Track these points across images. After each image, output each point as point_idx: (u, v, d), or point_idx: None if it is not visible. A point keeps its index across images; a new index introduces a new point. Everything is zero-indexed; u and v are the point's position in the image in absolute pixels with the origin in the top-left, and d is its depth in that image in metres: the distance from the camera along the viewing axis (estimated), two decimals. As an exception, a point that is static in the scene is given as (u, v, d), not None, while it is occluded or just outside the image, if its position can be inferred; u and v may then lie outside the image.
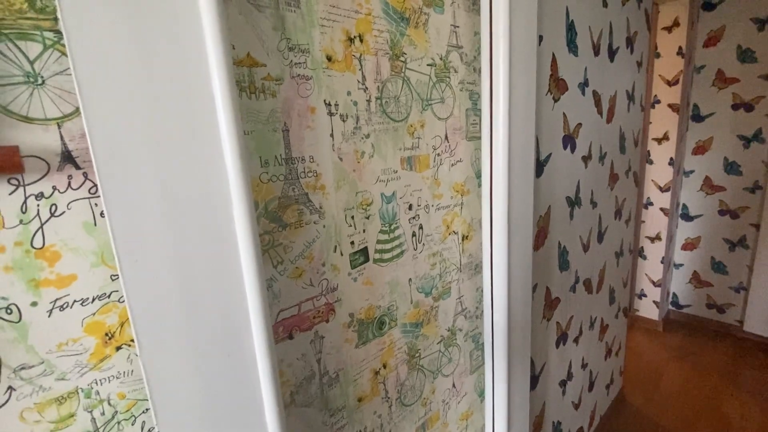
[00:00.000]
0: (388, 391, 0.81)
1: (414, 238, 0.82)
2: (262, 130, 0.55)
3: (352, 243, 0.69)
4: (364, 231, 0.71)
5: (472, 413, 1.08)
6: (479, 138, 0.94)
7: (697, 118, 2.56)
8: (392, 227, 0.76)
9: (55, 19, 0.40)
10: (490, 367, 1.03)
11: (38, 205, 0.41)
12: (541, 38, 1.03)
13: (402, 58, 0.73)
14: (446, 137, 0.85)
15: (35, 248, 0.41)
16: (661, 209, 2.60)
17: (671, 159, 2.50)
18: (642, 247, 2.73)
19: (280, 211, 0.59)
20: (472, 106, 0.91)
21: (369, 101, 0.68)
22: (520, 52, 0.87)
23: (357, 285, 0.71)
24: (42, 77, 0.40)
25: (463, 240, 0.95)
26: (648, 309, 2.80)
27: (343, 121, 0.65)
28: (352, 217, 0.69)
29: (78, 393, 0.45)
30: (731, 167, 2.49)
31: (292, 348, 0.63)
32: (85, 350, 0.45)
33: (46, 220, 0.41)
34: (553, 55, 1.09)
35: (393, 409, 0.83)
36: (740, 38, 2.34)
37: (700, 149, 2.58)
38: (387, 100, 0.71)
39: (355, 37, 0.65)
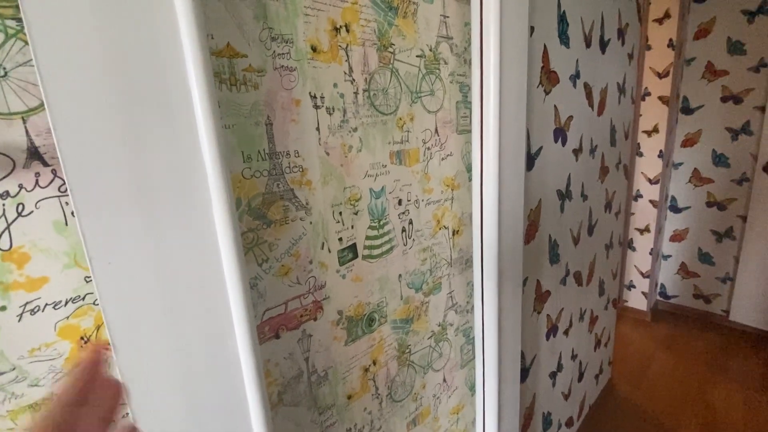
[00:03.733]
0: (378, 388, 0.80)
1: (404, 233, 0.80)
2: (244, 123, 0.53)
3: (340, 239, 0.68)
4: (352, 227, 0.70)
5: (463, 407, 1.08)
6: (470, 131, 0.93)
7: (687, 110, 2.57)
8: (381, 223, 0.75)
9: (17, 7, 0.37)
10: (481, 361, 1.03)
11: (3, 205, 0.38)
12: (532, 29, 1.01)
13: (390, 49, 0.71)
14: (436, 130, 0.84)
15: (2, 250, 0.39)
16: (651, 201, 2.62)
17: (661, 151, 2.51)
18: (631, 239, 2.76)
19: (265, 207, 0.57)
20: (463, 98, 0.89)
21: (356, 93, 0.66)
22: (511, 43, 0.86)
23: (345, 282, 0.70)
24: (4, 69, 0.37)
25: (453, 234, 0.94)
26: (636, 300, 2.84)
27: (330, 114, 0.63)
28: (340, 213, 0.67)
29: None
30: (719, 159, 2.51)
31: (278, 347, 0.62)
32: (60, 355, 0.43)
33: (13, 221, 0.39)
34: (545, 46, 1.08)
35: (383, 405, 0.82)
36: (730, 30, 2.34)
37: (689, 142, 2.60)
38: (375, 92, 0.69)
39: (341, 26, 0.62)
